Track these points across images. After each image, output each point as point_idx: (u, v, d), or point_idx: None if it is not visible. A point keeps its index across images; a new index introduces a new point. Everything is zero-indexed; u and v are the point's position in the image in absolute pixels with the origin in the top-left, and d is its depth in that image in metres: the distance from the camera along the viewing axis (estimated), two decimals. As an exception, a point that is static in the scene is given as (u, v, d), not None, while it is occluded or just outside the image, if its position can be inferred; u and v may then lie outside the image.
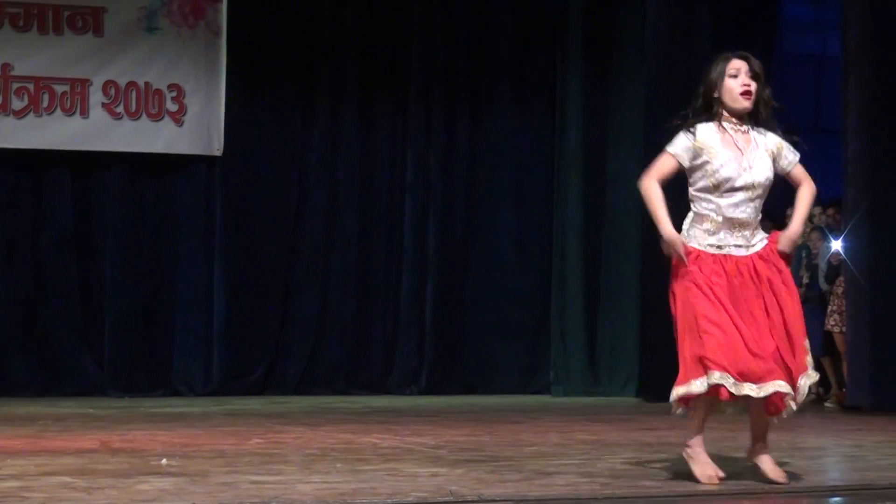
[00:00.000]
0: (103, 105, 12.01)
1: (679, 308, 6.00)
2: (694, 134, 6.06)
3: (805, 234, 12.11)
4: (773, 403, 5.91)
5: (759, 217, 6.11)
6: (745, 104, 6.07)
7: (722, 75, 6.08)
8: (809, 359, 6.01)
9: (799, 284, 10.95)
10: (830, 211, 11.93)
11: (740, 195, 6.02)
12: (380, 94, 12.89)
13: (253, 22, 12.46)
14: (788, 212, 6.85)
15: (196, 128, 12.23)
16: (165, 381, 12.27)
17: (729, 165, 6.01)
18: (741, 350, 5.84)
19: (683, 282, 5.99)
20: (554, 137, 13.17)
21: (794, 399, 5.92)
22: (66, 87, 11.94)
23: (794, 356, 5.93)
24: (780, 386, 5.84)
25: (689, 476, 6.06)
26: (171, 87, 12.19)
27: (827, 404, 11.65)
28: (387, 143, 12.94)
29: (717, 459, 6.19)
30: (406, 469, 6.59)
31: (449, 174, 13.04)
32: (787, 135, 6.17)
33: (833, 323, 11.57)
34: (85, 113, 11.97)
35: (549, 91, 13.20)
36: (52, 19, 11.92)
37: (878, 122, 10.77)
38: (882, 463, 7.07)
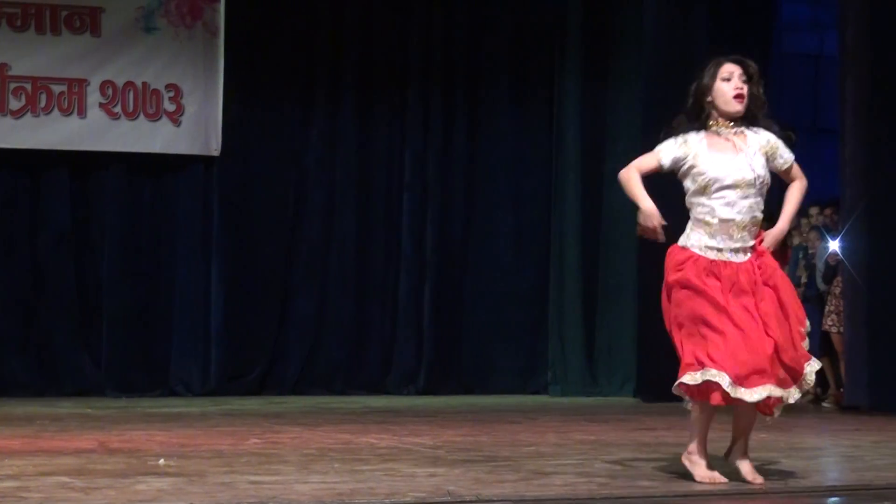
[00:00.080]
0: (101, 105, 12.00)
1: (672, 308, 6.01)
2: (681, 139, 6.10)
3: (803, 234, 12.14)
4: (765, 404, 5.95)
5: (760, 217, 6.10)
6: (738, 108, 6.10)
7: (714, 79, 6.11)
8: (807, 342, 6.01)
9: (797, 284, 10.95)
10: (828, 211, 11.92)
11: (732, 194, 6.02)
12: (378, 94, 12.89)
13: (251, 22, 12.45)
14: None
15: (194, 128, 12.23)
16: (163, 382, 12.26)
17: (715, 166, 6.03)
18: (739, 352, 5.84)
19: (677, 281, 6.00)
20: (552, 138, 13.17)
21: (799, 388, 5.94)
22: (64, 87, 11.94)
23: (795, 348, 5.93)
24: (773, 391, 5.87)
25: (687, 476, 6.06)
26: (169, 87, 12.18)
27: (824, 404, 11.64)
28: (385, 144, 12.94)
29: (716, 461, 6.19)
30: (404, 469, 6.59)
31: (447, 174, 13.03)
32: (782, 131, 6.19)
33: (831, 323, 11.57)
34: (82, 113, 11.97)
35: (548, 91, 13.20)
36: (49, 19, 11.91)
37: (875, 122, 10.76)
38: (879, 463, 7.07)
